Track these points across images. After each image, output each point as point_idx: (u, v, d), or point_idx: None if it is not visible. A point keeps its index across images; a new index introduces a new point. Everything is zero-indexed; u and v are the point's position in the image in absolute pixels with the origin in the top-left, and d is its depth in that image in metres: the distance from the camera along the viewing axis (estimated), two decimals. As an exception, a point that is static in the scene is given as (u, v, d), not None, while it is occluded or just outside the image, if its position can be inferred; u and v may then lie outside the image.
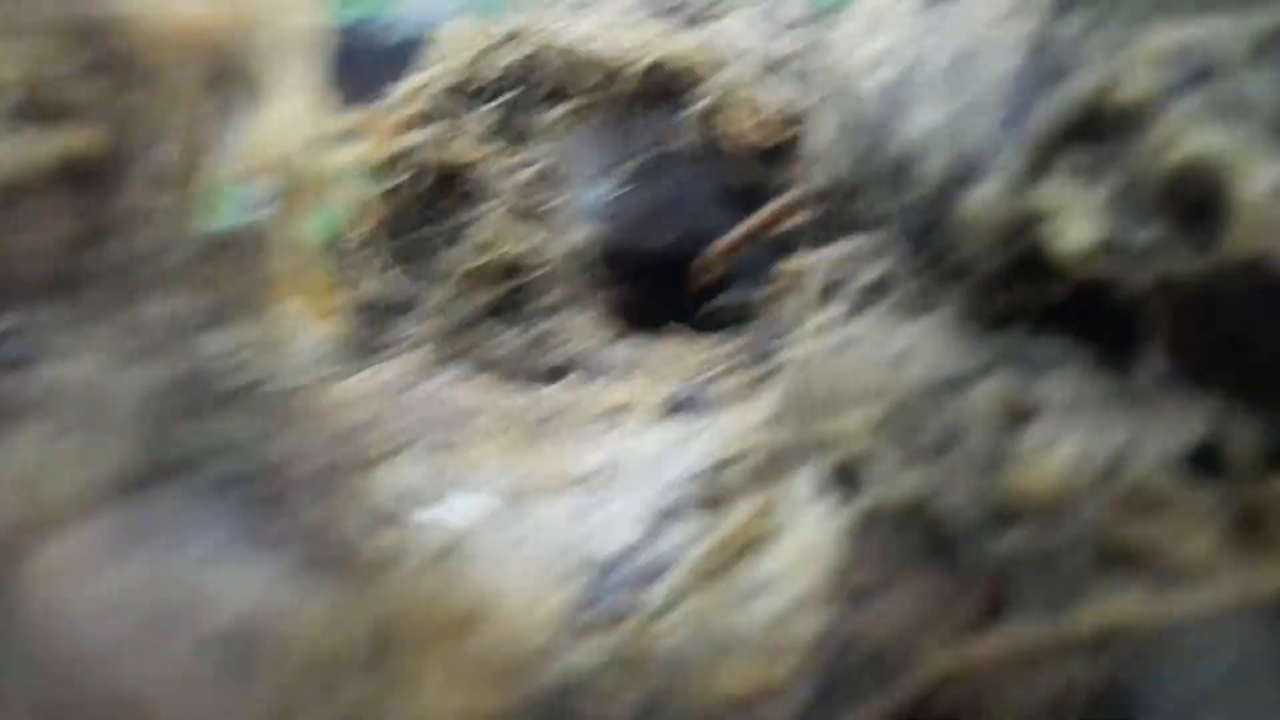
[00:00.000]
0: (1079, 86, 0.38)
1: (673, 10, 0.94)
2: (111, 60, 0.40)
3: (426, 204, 0.91)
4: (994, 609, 0.33)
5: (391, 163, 0.92)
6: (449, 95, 0.91)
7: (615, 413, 0.75)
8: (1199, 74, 0.32)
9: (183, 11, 0.41)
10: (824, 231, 0.65)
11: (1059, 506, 0.33)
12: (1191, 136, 0.32)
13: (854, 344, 0.50)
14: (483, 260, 0.89)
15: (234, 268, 0.43)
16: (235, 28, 0.43)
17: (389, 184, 0.92)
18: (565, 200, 0.91)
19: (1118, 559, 0.31)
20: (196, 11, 0.42)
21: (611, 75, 0.91)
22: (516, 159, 0.91)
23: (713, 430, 0.68)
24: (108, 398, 0.38)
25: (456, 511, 0.61)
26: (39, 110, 0.38)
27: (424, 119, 0.91)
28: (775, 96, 0.89)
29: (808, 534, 0.43)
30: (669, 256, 0.92)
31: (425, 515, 0.56)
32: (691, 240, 0.91)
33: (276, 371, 0.42)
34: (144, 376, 0.39)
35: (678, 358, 0.85)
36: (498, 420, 0.73)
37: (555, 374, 0.85)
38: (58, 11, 0.40)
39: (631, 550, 0.55)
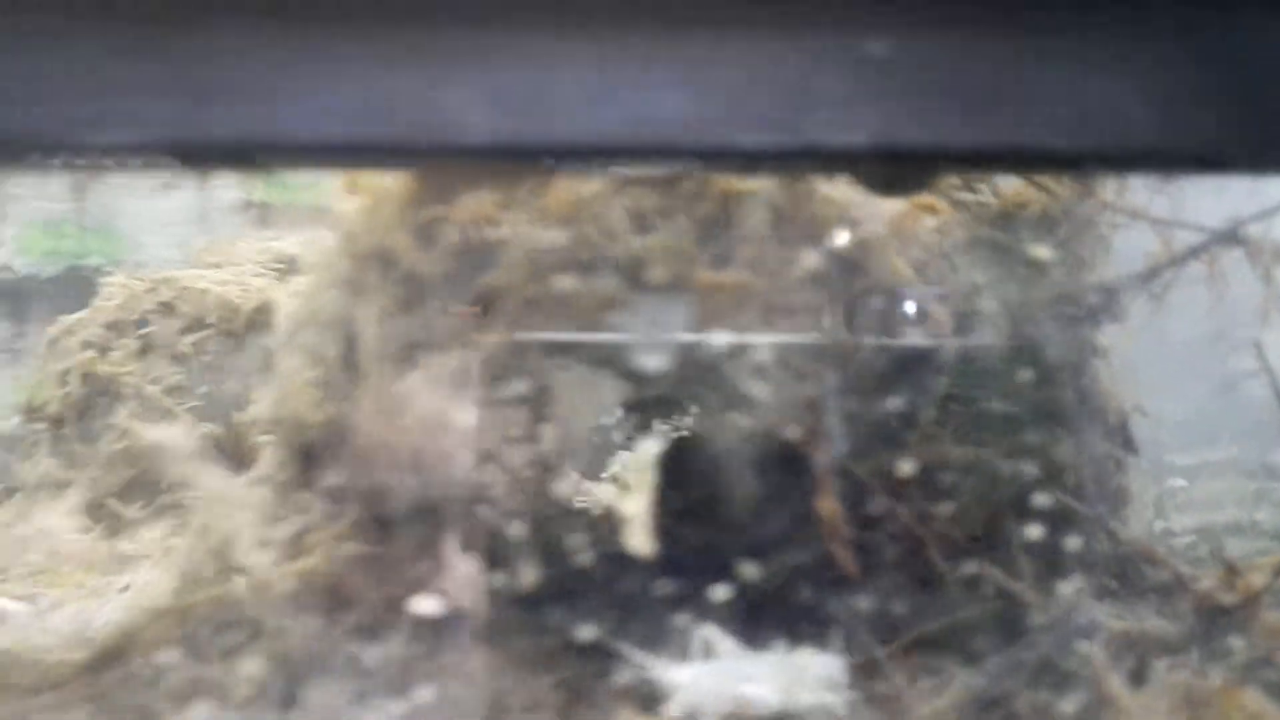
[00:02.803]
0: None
1: (284, 266, 1.32)
2: None
3: (85, 405, 1.24)
4: None
5: (63, 375, 1.25)
6: (106, 327, 1.26)
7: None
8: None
9: None
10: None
11: None
12: None
13: None
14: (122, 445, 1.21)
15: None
16: None
17: (62, 389, 1.24)
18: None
19: None
20: None
21: (234, 311, 1.27)
22: (155, 373, 1.25)
23: None
24: None
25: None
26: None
27: (85, 344, 1.25)
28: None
29: None
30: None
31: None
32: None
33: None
34: None
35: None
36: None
37: None
38: None
39: None
